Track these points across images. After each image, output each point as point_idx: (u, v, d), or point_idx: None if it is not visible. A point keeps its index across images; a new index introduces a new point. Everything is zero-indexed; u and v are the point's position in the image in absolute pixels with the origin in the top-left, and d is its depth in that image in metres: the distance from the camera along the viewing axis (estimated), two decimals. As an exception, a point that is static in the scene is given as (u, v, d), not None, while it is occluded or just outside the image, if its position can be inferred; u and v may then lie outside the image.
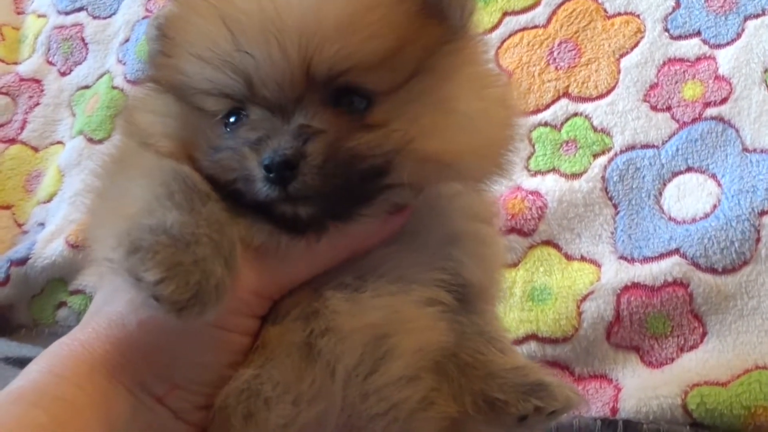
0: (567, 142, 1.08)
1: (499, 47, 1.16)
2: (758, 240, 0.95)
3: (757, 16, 1.07)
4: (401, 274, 0.65)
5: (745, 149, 1.01)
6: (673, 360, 0.96)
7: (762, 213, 0.96)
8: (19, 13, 1.57)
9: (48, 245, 1.26)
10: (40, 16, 1.52)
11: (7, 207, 1.40)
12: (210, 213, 0.59)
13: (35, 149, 1.42)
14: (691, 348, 0.96)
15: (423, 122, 0.61)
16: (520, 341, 0.99)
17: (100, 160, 0.72)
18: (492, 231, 0.73)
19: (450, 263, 0.67)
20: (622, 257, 1.00)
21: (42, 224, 1.33)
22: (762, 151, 1.00)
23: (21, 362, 1.08)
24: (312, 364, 0.62)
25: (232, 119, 0.62)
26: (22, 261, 1.26)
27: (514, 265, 1.04)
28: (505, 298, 1.02)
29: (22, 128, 1.43)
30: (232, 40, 0.59)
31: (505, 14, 1.18)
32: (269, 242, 0.62)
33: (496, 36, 1.16)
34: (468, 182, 0.67)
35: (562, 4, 1.16)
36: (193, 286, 0.56)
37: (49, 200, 1.34)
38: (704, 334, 0.96)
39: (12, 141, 1.43)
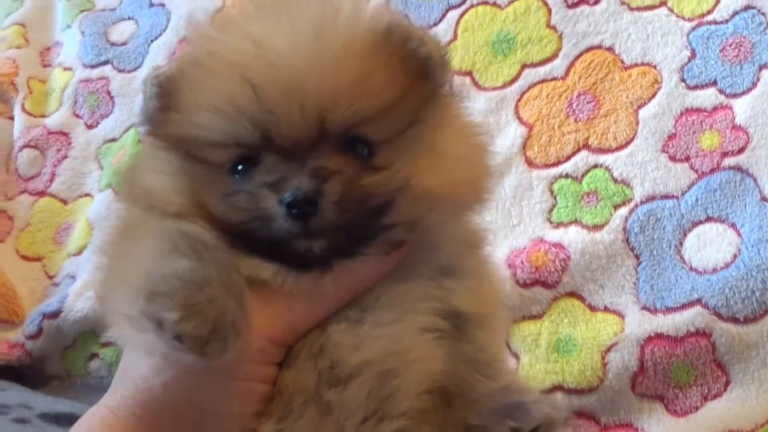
0: (588, 194, 1.10)
1: (519, 100, 1.18)
2: (774, 294, 0.97)
3: (772, 65, 1.10)
4: (399, 304, 0.70)
5: (764, 198, 1.02)
6: (697, 409, 0.98)
7: (780, 264, 0.98)
8: (45, 66, 1.61)
9: (79, 298, 1.29)
10: (66, 69, 1.55)
11: (38, 259, 1.43)
12: (216, 258, 0.64)
13: (64, 202, 1.45)
14: (715, 396, 0.98)
15: (419, 164, 0.69)
16: (546, 392, 1.01)
17: (105, 235, 0.77)
18: (484, 258, 0.80)
19: (442, 292, 0.72)
20: (645, 308, 1.02)
21: (73, 277, 1.35)
22: (780, 200, 1.02)
23: (57, 419, 1.10)
24: (325, 418, 0.67)
25: (239, 167, 0.68)
26: (55, 314, 1.29)
27: (539, 317, 1.06)
28: (530, 348, 1.05)
29: (51, 181, 1.46)
30: (256, 98, 0.65)
31: (524, 66, 1.20)
32: (275, 280, 0.67)
33: (515, 88, 1.19)
34: (457, 212, 0.75)
35: (579, 55, 1.18)
36: (211, 321, 0.60)
37: (79, 253, 1.37)
38: (727, 383, 0.97)
39: (41, 194, 1.46)
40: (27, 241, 1.44)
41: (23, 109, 1.53)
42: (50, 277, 1.40)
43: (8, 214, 1.47)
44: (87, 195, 1.43)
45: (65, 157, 1.47)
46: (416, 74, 0.70)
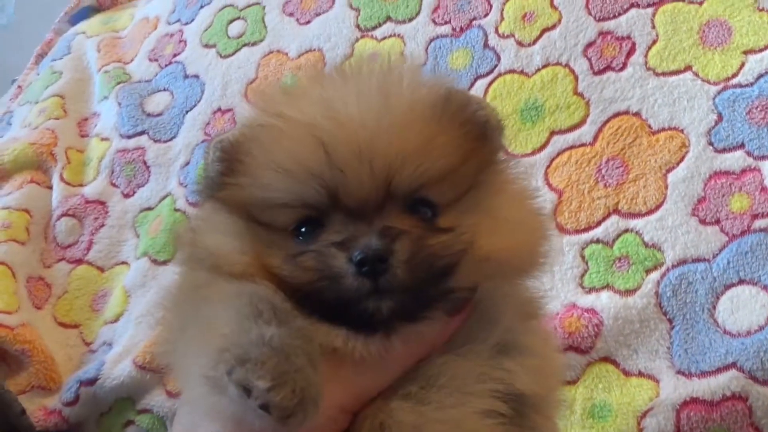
0: (619, 259, 1.10)
1: (548, 166, 1.19)
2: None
3: (798, 127, 1.11)
4: (460, 385, 0.70)
5: (796, 261, 1.03)
6: (736, 474, 0.97)
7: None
8: (83, 136, 1.65)
9: (116, 366, 1.30)
10: (103, 139, 1.59)
11: (75, 326, 1.45)
12: (299, 326, 0.64)
13: (101, 269, 1.47)
14: (754, 461, 0.97)
15: (481, 227, 0.71)
16: (582, 459, 1.01)
17: (166, 294, 0.78)
18: (542, 330, 0.80)
19: (504, 373, 0.71)
20: (679, 372, 1.02)
21: (109, 344, 1.37)
22: (813, 262, 1.02)
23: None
24: None
25: (303, 229, 0.70)
26: (92, 381, 1.30)
27: (573, 382, 1.06)
28: (565, 414, 1.04)
29: (88, 249, 1.48)
30: (326, 159, 0.67)
31: (553, 133, 1.22)
32: (346, 347, 0.67)
33: (544, 155, 1.20)
34: (516, 277, 0.76)
35: (607, 121, 1.19)
36: (298, 393, 0.60)
37: (115, 320, 1.39)
38: (766, 448, 0.97)
39: (79, 261, 1.49)
40: (64, 308, 1.47)
41: (61, 178, 1.57)
42: (87, 344, 1.42)
43: (46, 281, 1.50)
44: (123, 263, 1.46)
45: (102, 225, 1.50)
46: (475, 138, 0.72)
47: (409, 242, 0.66)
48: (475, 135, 0.73)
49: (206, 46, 1.58)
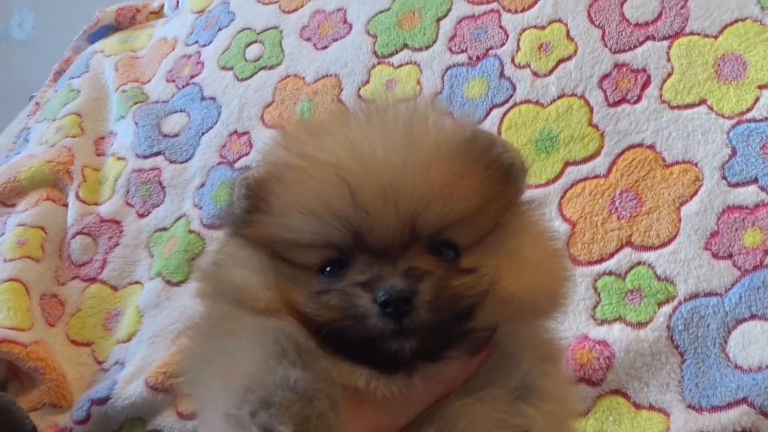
0: (632, 291, 1.11)
1: (562, 197, 1.20)
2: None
3: (812, 163, 1.11)
4: (477, 430, 0.70)
5: (808, 297, 1.03)
6: None
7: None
8: (99, 155, 1.66)
9: (128, 386, 1.31)
10: (119, 158, 1.60)
11: (87, 344, 1.45)
12: (322, 368, 0.65)
13: (114, 288, 1.48)
14: (763, 497, 0.97)
15: (503, 268, 0.71)
16: (592, 492, 1.01)
17: (190, 325, 0.78)
18: (560, 374, 0.79)
19: (522, 420, 0.71)
20: (690, 406, 1.02)
21: (121, 363, 1.38)
22: (825, 299, 1.02)
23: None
24: None
25: (327, 269, 0.70)
26: (103, 401, 1.31)
27: (584, 414, 1.06)
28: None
29: (102, 268, 1.49)
30: (351, 199, 0.68)
31: (567, 164, 1.22)
32: (368, 387, 0.68)
33: (558, 186, 1.21)
34: (536, 318, 0.77)
35: (621, 153, 1.20)
36: None
37: (128, 340, 1.40)
38: (776, 484, 0.97)
39: (92, 280, 1.50)
40: (77, 326, 1.47)
41: (77, 196, 1.58)
42: (99, 363, 1.42)
43: (60, 299, 1.50)
44: (137, 282, 1.46)
45: (117, 244, 1.50)
46: (499, 180, 0.73)
47: (433, 283, 0.67)
48: (499, 177, 0.73)
49: (224, 68, 1.59)
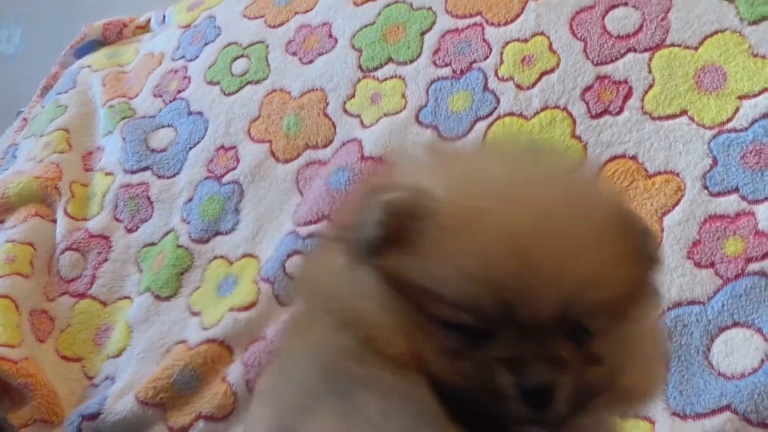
0: (617, 301, 1.12)
1: (547, 209, 1.21)
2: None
3: (792, 171, 1.13)
4: None
5: (789, 303, 1.05)
6: None
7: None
8: (87, 171, 1.67)
9: (119, 401, 1.32)
10: (107, 174, 1.61)
11: (78, 360, 1.46)
12: None
13: (104, 304, 1.48)
14: (748, 502, 0.98)
15: (626, 362, 0.68)
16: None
17: (294, 340, 0.75)
18: None
19: None
20: (674, 413, 1.04)
21: (111, 378, 1.39)
22: (805, 305, 1.04)
23: None
24: None
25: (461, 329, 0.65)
26: (94, 416, 1.32)
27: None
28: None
29: (92, 283, 1.50)
30: (521, 271, 0.62)
31: (551, 176, 1.23)
32: None
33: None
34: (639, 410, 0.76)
35: (604, 165, 1.22)
36: None
37: (118, 355, 1.40)
38: (760, 490, 0.98)
39: (82, 295, 1.50)
40: (67, 341, 1.48)
41: (65, 212, 1.59)
42: (89, 378, 1.43)
43: (49, 314, 1.51)
44: (126, 298, 1.47)
45: (105, 260, 1.51)
46: (642, 268, 0.69)
47: (573, 375, 0.63)
48: (642, 264, 0.69)
49: (210, 83, 1.60)
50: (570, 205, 0.65)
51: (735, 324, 1.06)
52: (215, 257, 1.42)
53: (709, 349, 1.06)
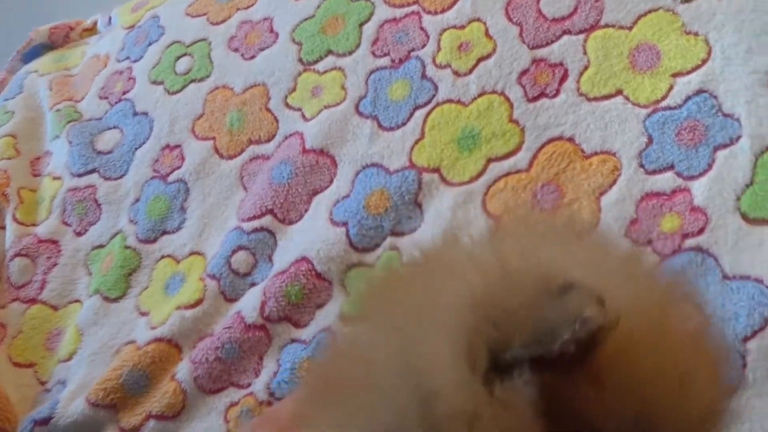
0: (556, 282, 1.12)
1: (486, 193, 1.22)
2: (744, 366, 0.99)
3: (725, 146, 1.13)
4: None
5: (725, 277, 1.05)
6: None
7: (745, 339, 1.00)
8: (35, 176, 1.65)
9: (70, 404, 1.31)
10: (55, 178, 1.60)
11: (30, 365, 1.45)
12: None
13: (54, 308, 1.47)
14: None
15: None
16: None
17: None
18: None
19: None
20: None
21: (63, 383, 1.38)
22: (741, 277, 1.05)
23: None
24: None
25: None
26: (46, 420, 1.31)
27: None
28: None
29: (42, 288, 1.49)
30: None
31: (489, 161, 1.24)
32: None
33: (481, 183, 1.22)
34: None
35: (541, 147, 1.22)
36: None
37: (69, 359, 1.40)
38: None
39: (32, 301, 1.49)
40: (19, 348, 1.46)
41: (14, 218, 1.57)
42: (42, 383, 1.42)
43: (1, 322, 1.50)
44: (77, 301, 1.46)
45: (55, 264, 1.50)
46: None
47: None
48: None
49: (154, 83, 1.60)
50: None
51: (673, 300, 1.07)
52: (162, 256, 1.41)
53: (647, 326, 1.07)
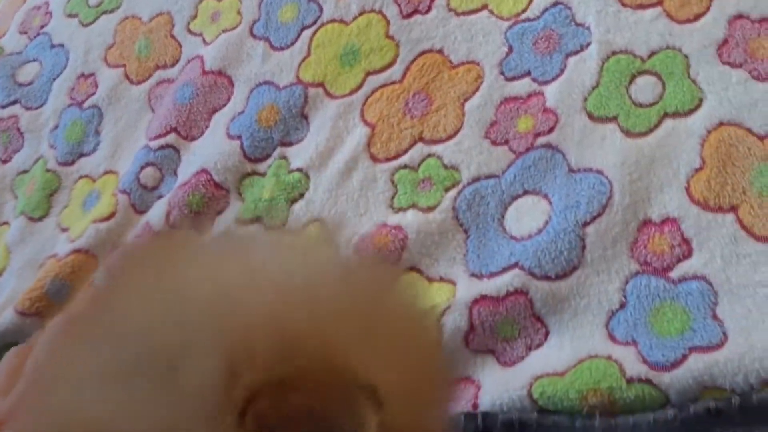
0: (423, 181, 1.24)
1: (364, 104, 1.33)
2: (584, 247, 1.12)
3: (576, 52, 1.25)
4: None
5: (571, 170, 1.17)
6: (522, 358, 1.11)
7: (585, 224, 1.12)
8: (-38, 109, 1.75)
9: (0, 314, 1.42)
10: (-19, 111, 1.70)
11: (-35, 284, 1.57)
12: None
13: (-15, 232, 1.59)
14: (538, 346, 1.11)
15: None
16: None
17: None
18: None
19: None
20: (473, 275, 1.16)
21: (-5, 298, 1.49)
22: (584, 170, 1.17)
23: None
24: None
25: None
26: (-22, 331, 1.43)
27: (384, 290, 1.20)
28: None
29: (-27, 214, 1.60)
30: None
31: (368, 74, 1.35)
32: None
33: (360, 95, 1.34)
34: None
35: (414, 60, 1.33)
36: None
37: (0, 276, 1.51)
38: (547, 334, 1.11)
39: (-36, 225, 1.60)
40: (-46, 269, 1.58)
41: (-57, 150, 1.68)
42: (-24, 300, 1.54)
43: (-64, 246, 1.61)
44: (5, 223, 1.57)
45: (-17, 191, 1.61)
46: None
47: None
48: None
49: (69, 16, 1.69)
50: None
51: (525, 192, 1.18)
52: (80, 177, 1.52)
53: (503, 217, 1.18)
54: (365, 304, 0.54)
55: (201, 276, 0.52)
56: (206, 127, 1.43)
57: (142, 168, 1.43)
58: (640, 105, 1.18)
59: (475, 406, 1.09)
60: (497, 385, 1.08)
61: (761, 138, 1.11)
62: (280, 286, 0.51)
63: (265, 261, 0.54)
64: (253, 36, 1.46)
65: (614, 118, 1.18)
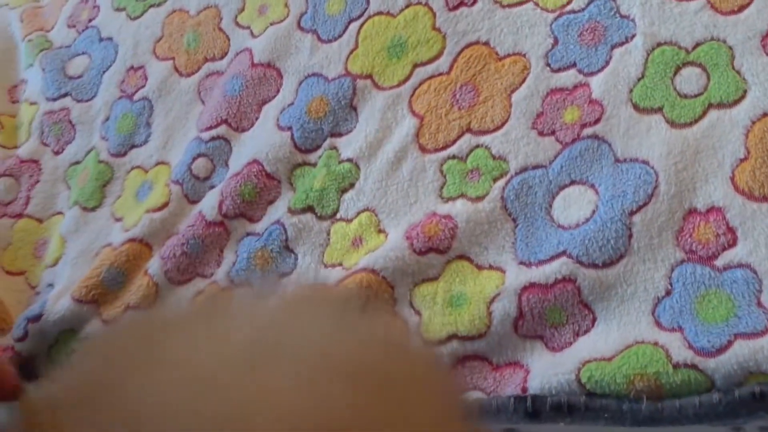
0: (471, 171, 1.27)
1: (412, 95, 1.36)
2: (630, 236, 1.14)
3: (621, 44, 1.27)
4: None
5: (617, 160, 1.20)
6: (571, 344, 1.15)
7: (631, 213, 1.15)
8: (13, 102, 1.79)
9: (58, 302, 1.47)
10: (32, 103, 1.74)
11: (21, 273, 1.61)
12: None
13: (39, 221, 1.63)
14: (585, 332, 1.14)
15: None
16: (444, 341, 1.19)
17: None
18: None
19: None
20: (521, 263, 1.19)
21: (51, 285, 1.54)
22: (630, 160, 1.19)
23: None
24: None
25: None
26: (37, 318, 1.47)
27: (435, 278, 1.23)
28: (429, 305, 1.22)
29: (27, 204, 1.64)
30: None
31: (415, 66, 1.38)
32: None
33: (408, 86, 1.37)
34: None
35: (461, 52, 1.36)
36: None
37: (55, 264, 1.55)
38: (594, 320, 1.14)
39: (19, 216, 1.65)
40: (10, 258, 1.63)
41: (-2, 143, 1.73)
42: (33, 287, 1.58)
43: (-8, 236, 1.66)
44: (59, 213, 1.62)
45: (37, 181, 1.65)
46: None
47: None
48: None
49: (117, 9, 1.73)
50: None
51: (572, 182, 1.21)
52: (132, 168, 1.56)
53: (550, 206, 1.21)
54: (397, 384, 0.52)
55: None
56: (256, 118, 1.47)
57: (194, 159, 1.47)
58: (685, 96, 1.20)
59: (524, 389, 1.13)
60: (546, 370, 1.12)
61: (807, 128, 1.13)
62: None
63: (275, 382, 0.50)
64: (301, 29, 1.49)
65: (659, 109, 1.20)
